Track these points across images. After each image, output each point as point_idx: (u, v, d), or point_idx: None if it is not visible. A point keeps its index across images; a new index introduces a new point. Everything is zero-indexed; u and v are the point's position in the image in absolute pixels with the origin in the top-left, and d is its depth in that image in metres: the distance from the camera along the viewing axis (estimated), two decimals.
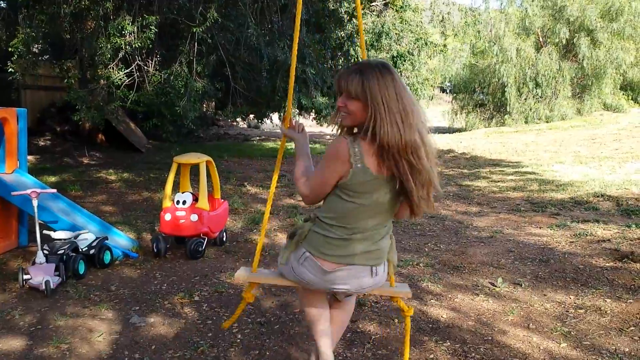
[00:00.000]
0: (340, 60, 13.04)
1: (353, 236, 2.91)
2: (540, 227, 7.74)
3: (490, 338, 4.30)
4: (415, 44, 17.27)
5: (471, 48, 29.05)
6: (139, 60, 9.30)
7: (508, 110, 26.42)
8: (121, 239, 7.01)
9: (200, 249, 6.70)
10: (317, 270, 2.97)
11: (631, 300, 4.91)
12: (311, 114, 14.08)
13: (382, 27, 15.52)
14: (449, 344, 4.23)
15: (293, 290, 5.47)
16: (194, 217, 6.66)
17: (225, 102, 11.45)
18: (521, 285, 5.44)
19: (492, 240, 7.12)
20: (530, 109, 26.24)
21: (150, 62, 9.57)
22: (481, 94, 28.86)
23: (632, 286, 5.27)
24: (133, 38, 8.76)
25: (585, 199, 9.38)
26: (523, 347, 4.14)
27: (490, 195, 10.21)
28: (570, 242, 6.88)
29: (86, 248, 6.19)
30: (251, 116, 15.55)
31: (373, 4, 16.40)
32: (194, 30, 8.83)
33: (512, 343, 4.21)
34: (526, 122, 25.83)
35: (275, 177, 3.51)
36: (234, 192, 10.52)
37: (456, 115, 30.05)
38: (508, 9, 27.50)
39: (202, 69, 9.42)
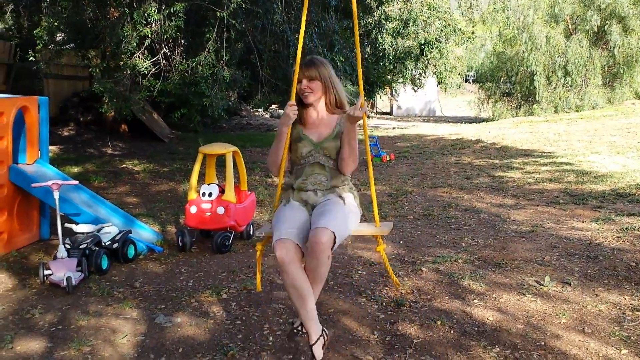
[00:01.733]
0: (368, 48, 12.72)
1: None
2: (583, 221, 7.36)
3: (543, 343, 3.97)
4: (442, 31, 16.87)
5: (499, 35, 28.48)
6: (165, 49, 9.04)
7: (537, 99, 25.88)
8: (145, 232, 6.78)
9: (227, 243, 6.46)
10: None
11: None
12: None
13: (410, 13, 15.17)
14: (498, 349, 3.91)
15: (327, 289, 5.21)
16: (221, 210, 6.43)
17: (252, 91, 11.17)
18: (570, 284, 5.10)
19: (533, 235, 6.76)
20: (560, 98, 25.68)
21: (176, 50, 9.31)
22: (508, 83, 28.30)
23: None
24: (159, 26, 8.50)
25: (627, 191, 8.95)
26: (580, 354, 3.81)
27: (525, 187, 9.82)
28: (618, 237, 6.50)
29: (109, 242, 5.99)
30: (274, 106, 15.33)
31: None
32: (221, 15, 8.53)
33: (567, 349, 3.88)
34: (556, 112, 25.29)
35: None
36: (259, 183, 10.27)
37: (483, 104, 29.57)
38: None
39: (229, 57, 9.13)
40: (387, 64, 15.31)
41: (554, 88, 25.87)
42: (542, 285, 5.07)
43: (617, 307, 4.55)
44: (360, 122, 3.67)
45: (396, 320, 4.46)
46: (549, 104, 25.67)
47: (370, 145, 13.32)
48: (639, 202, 8.21)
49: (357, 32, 3.91)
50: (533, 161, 12.70)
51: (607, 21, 25.42)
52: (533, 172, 11.20)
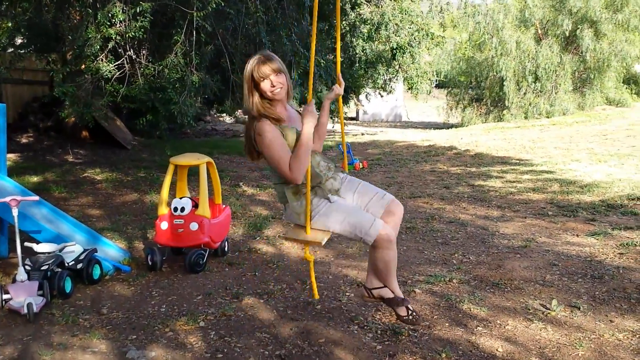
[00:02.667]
0: (341, 54, 12.28)
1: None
2: (577, 235, 7.00)
3: None
4: (414, 35, 16.55)
5: (469, 40, 28.32)
6: (130, 52, 8.48)
7: (507, 105, 25.70)
8: (111, 250, 6.25)
9: (201, 261, 5.96)
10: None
11: None
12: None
13: (382, 17, 14.80)
14: None
15: (314, 314, 4.77)
16: (194, 226, 5.94)
17: (221, 96, 10.66)
18: (579, 308, 4.70)
19: (528, 251, 6.37)
20: (530, 104, 25.55)
21: (142, 53, 8.75)
22: (477, 88, 28.14)
23: None
24: (124, 27, 7.96)
25: (618, 202, 8.64)
26: None
27: (509, 197, 9.46)
28: (619, 253, 6.14)
29: (73, 262, 5.49)
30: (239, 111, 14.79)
31: None
32: (193, 16, 8.02)
33: None
34: (526, 118, 25.16)
35: None
36: (229, 193, 9.77)
37: (451, 110, 29.36)
38: (507, 0, 26.78)
39: (199, 60, 8.62)
40: (358, 68, 14.95)
41: (524, 93, 25.75)
42: (549, 309, 4.67)
43: (638, 336, 4.16)
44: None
45: (395, 352, 4.02)
46: (518, 109, 25.53)
47: (342, 153, 13.03)
48: (634, 215, 7.89)
49: (338, 21, 3.76)
50: (512, 169, 12.38)
51: (578, 26, 25.34)
52: (514, 181, 10.87)
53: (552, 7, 26.42)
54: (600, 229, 7.19)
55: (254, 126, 3.61)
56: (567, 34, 25.83)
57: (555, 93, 25.64)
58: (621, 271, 5.57)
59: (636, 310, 4.65)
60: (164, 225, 5.99)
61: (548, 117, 24.68)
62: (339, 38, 4.11)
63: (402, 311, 3.94)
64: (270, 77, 3.54)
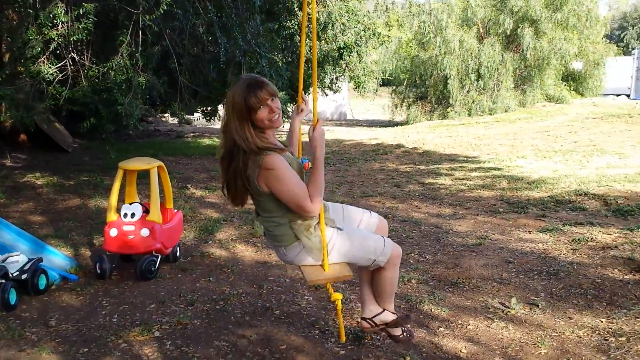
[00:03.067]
0: (290, 54, 12.19)
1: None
2: (530, 232, 7.06)
3: None
4: (360, 34, 16.51)
5: (414, 39, 28.52)
6: (73, 53, 8.20)
7: (451, 102, 25.98)
8: (57, 258, 5.98)
9: (152, 268, 5.77)
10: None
11: None
12: None
13: (329, 17, 14.72)
14: None
15: (273, 319, 4.65)
16: (145, 232, 5.75)
17: (169, 98, 10.42)
18: (538, 305, 4.71)
19: (483, 249, 6.39)
20: (473, 102, 25.88)
21: (86, 54, 8.47)
22: (422, 87, 28.37)
23: None
24: (66, 29, 7.68)
25: (567, 197, 8.76)
26: None
27: (459, 194, 9.51)
28: (572, 249, 6.21)
29: (17, 272, 5.22)
30: (196, 115, 14.58)
31: None
32: (139, 16, 7.79)
33: None
34: (469, 115, 25.47)
35: None
36: (177, 195, 9.53)
37: (396, 108, 29.53)
38: None
39: (145, 62, 8.39)
40: (307, 68, 14.82)
41: (467, 91, 26.06)
42: (509, 308, 4.67)
43: (597, 333, 4.19)
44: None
45: (359, 357, 3.95)
46: (462, 107, 25.84)
47: None
48: (582, 210, 8.02)
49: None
50: (460, 167, 12.48)
51: (519, 25, 25.79)
52: (464, 179, 10.95)
53: (493, 7, 26.83)
54: (552, 225, 7.27)
55: (258, 162, 3.05)
56: (509, 33, 26.26)
57: (498, 91, 26.04)
58: (575, 267, 5.63)
59: (593, 307, 4.69)
60: (114, 232, 5.77)
61: (491, 114, 25.05)
62: (303, 54, 3.75)
63: (397, 331, 3.69)
64: (268, 102, 3.08)
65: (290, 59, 12.13)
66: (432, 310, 4.72)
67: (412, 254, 6.32)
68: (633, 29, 67.69)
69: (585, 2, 26.04)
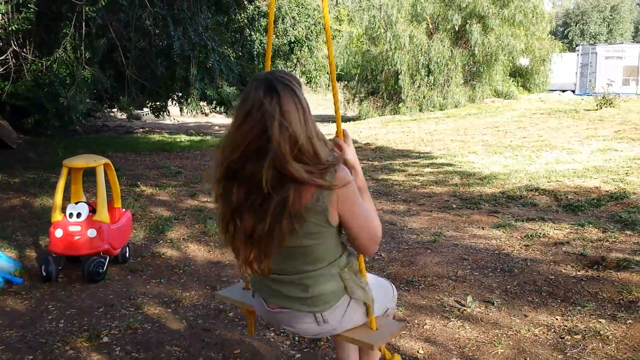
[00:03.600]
0: (240, 48, 12.02)
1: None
2: (483, 228, 7.07)
3: None
4: (310, 29, 16.44)
5: (365, 34, 28.59)
6: (14, 46, 7.89)
7: (402, 98, 26.16)
8: (0, 261, 5.73)
9: (100, 270, 5.56)
10: (262, 309, 2.55)
11: (630, 321, 4.23)
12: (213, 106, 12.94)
13: (279, 10, 14.63)
14: None
15: (226, 322, 4.53)
16: (92, 233, 5.53)
17: (116, 92, 10.15)
18: (493, 303, 4.69)
19: (437, 246, 6.36)
20: (424, 97, 26.11)
21: (28, 47, 8.17)
22: (373, 82, 28.48)
23: (621, 301, 4.61)
24: (7, 20, 7.39)
25: (518, 193, 8.83)
26: None
27: (413, 190, 9.51)
28: (525, 245, 6.22)
29: None
30: (145, 110, 14.26)
31: None
32: (79, 7, 7.54)
33: None
34: (420, 110, 25.67)
35: None
36: (127, 193, 9.28)
37: (348, 103, 29.61)
38: None
39: (90, 55, 8.13)
40: (258, 63, 14.71)
41: (418, 87, 26.27)
42: (465, 306, 4.63)
43: (552, 330, 4.17)
44: None
45: None
46: (413, 102, 26.04)
47: None
48: (533, 206, 8.08)
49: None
50: (413, 162, 12.50)
51: (467, 20, 26.13)
52: (417, 175, 10.96)
53: (442, 2, 27.12)
54: (504, 220, 7.30)
55: (331, 182, 2.18)
56: (457, 29, 26.57)
57: (448, 86, 26.32)
58: (529, 263, 5.63)
59: (548, 304, 4.68)
60: (59, 232, 5.55)
61: (442, 110, 25.29)
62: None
63: None
64: None
65: (240, 53, 11.96)
66: None
67: None
68: (576, 25, 69.27)
69: None
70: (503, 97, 28.09)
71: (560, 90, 32.43)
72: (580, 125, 16.66)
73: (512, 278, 5.27)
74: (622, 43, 46.38)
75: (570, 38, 65.92)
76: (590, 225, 6.78)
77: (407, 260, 5.91)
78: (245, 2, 11.28)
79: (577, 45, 44.54)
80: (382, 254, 6.16)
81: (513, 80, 30.56)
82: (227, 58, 9.54)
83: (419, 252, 6.19)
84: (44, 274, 5.50)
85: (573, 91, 33.51)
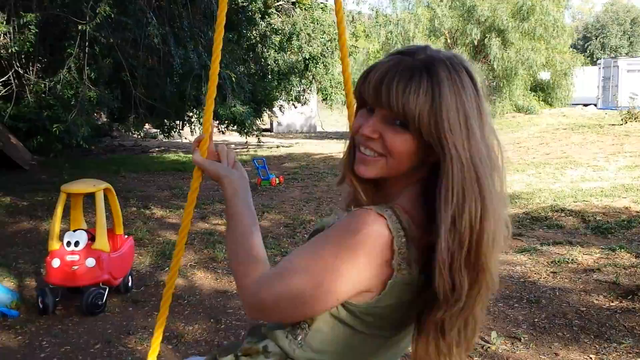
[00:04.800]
0: (253, 65, 11.73)
1: None
2: (506, 252, 6.67)
3: None
4: (326, 45, 16.18)
5: (382, 50, 28.36)
6: (17, 67, 7.67)
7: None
8: None
9: (100, 302, 5.26)
10: None
11: None
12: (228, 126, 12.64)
13: (294, 27, 14.35)
14: None
15: None
16: (91, 262, 5.23)
17: (124, 112, 9.90)
18: (520, 339, 4.30)
19: None
20: None
21: (31, 68, 7.94)
22: None
23: None
24: (9, 40, 7.17)
25: (542, 214, 8.43)
26: None
27: None
28: (552, 272, 5.83)
29: None
30: (152, 129, 13.96)
31: (279, 2, 15.24)
32: (83, 28, 7.31)
33: None
34: None
35: (186, 224, 2.03)
36: (136, 216, 8.99)
37: None
38: (417, 9, 26.91)
39: (96, 75, 7.88)
40: (271, 80, 14.45)
41: None
42: (489, 343, 4.25)
43: None
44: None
45: None
46: None
47: (258, 168, 12.42)
48: (560, 228, 7.68)
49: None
50: None
51: (486, 34, 25.81)
52: None
53: (460, 17, 26.80)
54: (529, 244, 6.91)
55: None
56: (476, 43, 26.24)
57: None
58: (557, 293, 5.24)
59: (580, 340, 4.29)
60: (56, 262, 5.26)
61: None
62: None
63: None
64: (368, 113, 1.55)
65: (252, 71, 11.68)
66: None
67: None
68: (596, 39, 68.61)
69: (551, 12, 26.11)
70: (524, 112, 27.64)
71: (583, 105, 31.89)
72: (605, 141, 16.19)
73: (540, 310, 4.88)
74: None
75: (590, 51, 65.31)
76: (622, 250, 6.38)
77: None
78: (258, 19, 11.05)
79: (598, 59, 43.99)
80: None
81: (534, 95, 30.09)
82: (238, 76, 9.24)
83: None
84: (41, 306, 5.22)
85: (595, 105, 32.96)
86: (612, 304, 4.95)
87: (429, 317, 1.40)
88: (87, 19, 7.34)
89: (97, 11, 7.21)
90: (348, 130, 1.78)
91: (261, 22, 11.54)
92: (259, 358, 1.54)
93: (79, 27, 7.31)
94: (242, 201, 1.65)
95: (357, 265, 1.34)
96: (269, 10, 12.70)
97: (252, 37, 11.50)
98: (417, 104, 1.34)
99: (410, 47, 1.47)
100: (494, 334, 4.34)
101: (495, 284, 1.45)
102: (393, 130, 1.39)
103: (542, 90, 30.76)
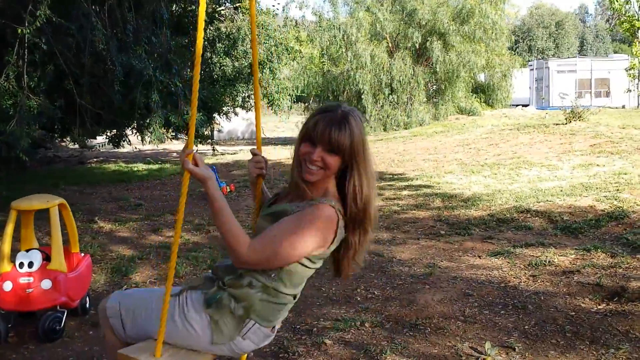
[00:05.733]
0: (202, 70, 11.33)
1: (294, 300, 2.64)
2: (479, 256, 6.51)
3: None
4: (271, 50, 15.90)
5: (325, 54, 28.24)
6: None
7: (366, 117, 25.80)
8: None
9: (58, 327, 4.82)
10: (260, 339, 2.59)
11: None
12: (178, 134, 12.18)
13: (239, 32, 14.04)
14: None
15: None
16: (47, 284, 4.81)
17: (67, 122, 9.36)
18: (515, 349, 4.10)
19: (435, 280, 5.76)
20: (388, 116, 25.81)
21: None
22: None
23: None
24: None
25: (508, 215, 8.32)
26: None
27: (394, 216, 8.91)
28: (532, 276, 5.67)
29: None
30: (100, 138, 13.33)
31: (221, 8, 14.89)
32: (23, 32, 6.84)
33: None
34: (385, 130, 25.35)
35: (178, 231, 2.58)
36: (83, 231, 8.47)
37: None
38: (358, 14, 26.85)
39: (36, 83, 7.40)
40: (221, 86, 14.08)
41: (381, 106, 25.97)
42: (484, 354, 4.03)
43: None
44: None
45: None
46: (377, 122, 25.72)
47: None
48: (528, 229, 7.58)
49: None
50: (388, 185, 11.93)
51: (428, 38, 25.97)
52: (395, 198, 10.38)
53: (401, 20, 26.92)
54: (501, 247, 6.77)
55: None
56: (418, 46, 26.42)
57: (411, 104, 26.09)
58: (542, 298, 5.08)
59: (576, 346, 4.12)
60: (8, 285, 4.80)
61: (406, 129, 25.01)
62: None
63: None
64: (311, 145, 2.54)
65: (202, 77, 11.29)
66: None
67: (358, 290, 5.63)
68: (523, 42, 70.32)
69: (490, 14, 26.43)
70: (467, 114, 27.88)
71: (522, 105, 32.46)
72: (553, 140, 16.33)
73: (528, 316, 4.70)
74: (575, 57, 46.96)
75: (518, 53, 66.95)
76: (598, 250, 6.29)
77: (405, 298, 5.29)
78: (206, 24, 10.67)
79: (528, 61, 45.00)
80: (376, 292, 5.54)
81: (475, 97, 30.44)
82: (190, 81, 8.86)
83: (416, 288, 5.58)
84: None
85: (526, 105, 33.59)
86: (599, 306, 4.81)
87: (346, 251, 2.53)
88: (26, 23, 6.88)
89: (38, 14, 6.78)
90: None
91: (209, 28, 11.17)
92: (244, 289, 2.48)
93: (18, 31, 6.83)
94: (219, 193, 2.43)
95: (318, 235, 2.41)
96: (216, 15, 12.36)
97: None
98: (343, 141, 2.40)
99: (331, 106, 2.53)
100: (487, 344, 4.11)
101: (374, 222, 2.54)
102: (329, 156, 2.43)
103: (483, 92, 31.15)
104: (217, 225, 2.42)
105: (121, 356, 2.51)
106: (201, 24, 2.44)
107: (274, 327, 2.61)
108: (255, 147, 3.03)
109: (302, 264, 2.44)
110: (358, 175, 2.44)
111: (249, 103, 18.27)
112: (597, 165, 12.33)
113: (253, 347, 2.58)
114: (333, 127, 2.39)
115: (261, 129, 3.12)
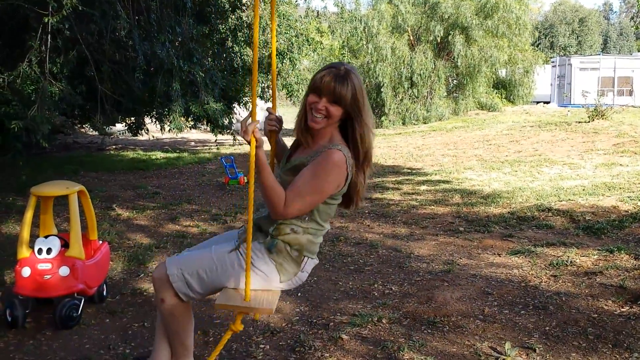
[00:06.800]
0: (222, 60, 11.31)
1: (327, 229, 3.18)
2: (499, 255, 6.43)
3: None
4: (291, 40, 15.80)
5: (346, 46, 28.14)
6: None
7: (385, 111, 25.70)
8: None
9: (74, 314, 4.81)
10: (311, 267, 3.17)
11: None
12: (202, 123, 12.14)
13: (259, 22, 13.92)
14: None
15: None
16: (65, 271, 4.80)
17: (87, 109, 9.37)
18: (535, 350, 4.03)
19: (454, 277, 5.70)
20: (407, 110, 25.69)
21: None
22: None
23: None
24: None
25: (528, 213, 8.22)
26: None
27: (412, 211, 8.85)
28: (553, 276, 5.59)
29: None
30: (119, 126, 13.28)
31: None
32: (46, 20, 6.83)
33: None
34: (404, 124, 25.23)
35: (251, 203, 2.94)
36: (101, 218, 8.47)
37: None
38: (380, 6, 26.67)
39: (59, 69, 7.39)
40: (242, 75, 14.03)
41: (401, 100, 25.84)
42: (503, 355, 3.96)
43: None
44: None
45: None
46: (396, 115, 25.61)
47: (226, 166, 12.01)
48: (549, 228, 7.47)
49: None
50: (406, 179, 11.86)
51: (450, 32, 25.77)
52: (413, 193, 10.31)
53: (423, 14, 26.73)
54: (522, 246, 6.68)
55: None
56: (440, 40, 26.22)
57: (431, 99, 25.93)
58: (564, 298, 5.00)
59: (598, 350, 4.04)
60: (26, 271, 4.80)
61: (425, 123, 24.87)
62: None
63: None
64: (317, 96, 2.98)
65: (223, 66, 11.27)
66: (415, 359, 3.97)
67: (376, 285, 5.58)
68: (546, 38, 69.66)
69: (514, 9, 26.15)
70: (487, 110, 27.68)
71: (544, 102, 32.18)
72: (575, 139, 16.17)
73: (549, 317, 4.63)
74: (598, 54, 46.43)
75: (540, 50, 66.45)
76: (621, 252, 6.18)
77: (423, 295, 5.24)
78: (228, 13, 10.62)
79: (551, 58, 44.59)
80: (393, 288, 5.49)
81: (496, 92, 30.20)
82: (211, 71, 8.83)
83: (434, 284, 5.52)
84: (9, 319, 4.75)
85: (547, 102, 33.30)
86: (622, 309, 4.72)
87: (354, 188, 3.03)
88: (51, 10, 6.87)
89: (64, 2, 6.76)
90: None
91: (231, 16, 11.11)
92: (292, 235, 3.00)
93: (45, 20, 6.82)
94: (265, 157, 2.86)
95: (336, 177, 2.89)
96: (237, 3, 12.30)
97: (222, 31, 11.06)
98: (345, 93, 2.82)
99: (335, 63, 2.96)
100: (507, 344, 4.05)
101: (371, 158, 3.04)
102: (332, 106, 2.84)
103: (504, 88, 30.90)
104: (260, 182, 2.82)
105: (220, 305, 3.03)
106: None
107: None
108: (270, 106, 3.32)
109: (326, 203, 2.98)
110: (360, 125, 2.90)
111: (268, 93, 18.22)
112: (621, 165, 12.19)
113: (307, 276, 3.16)
114: (337, 81, 2.81)
115: (276, 90, 3.50)
